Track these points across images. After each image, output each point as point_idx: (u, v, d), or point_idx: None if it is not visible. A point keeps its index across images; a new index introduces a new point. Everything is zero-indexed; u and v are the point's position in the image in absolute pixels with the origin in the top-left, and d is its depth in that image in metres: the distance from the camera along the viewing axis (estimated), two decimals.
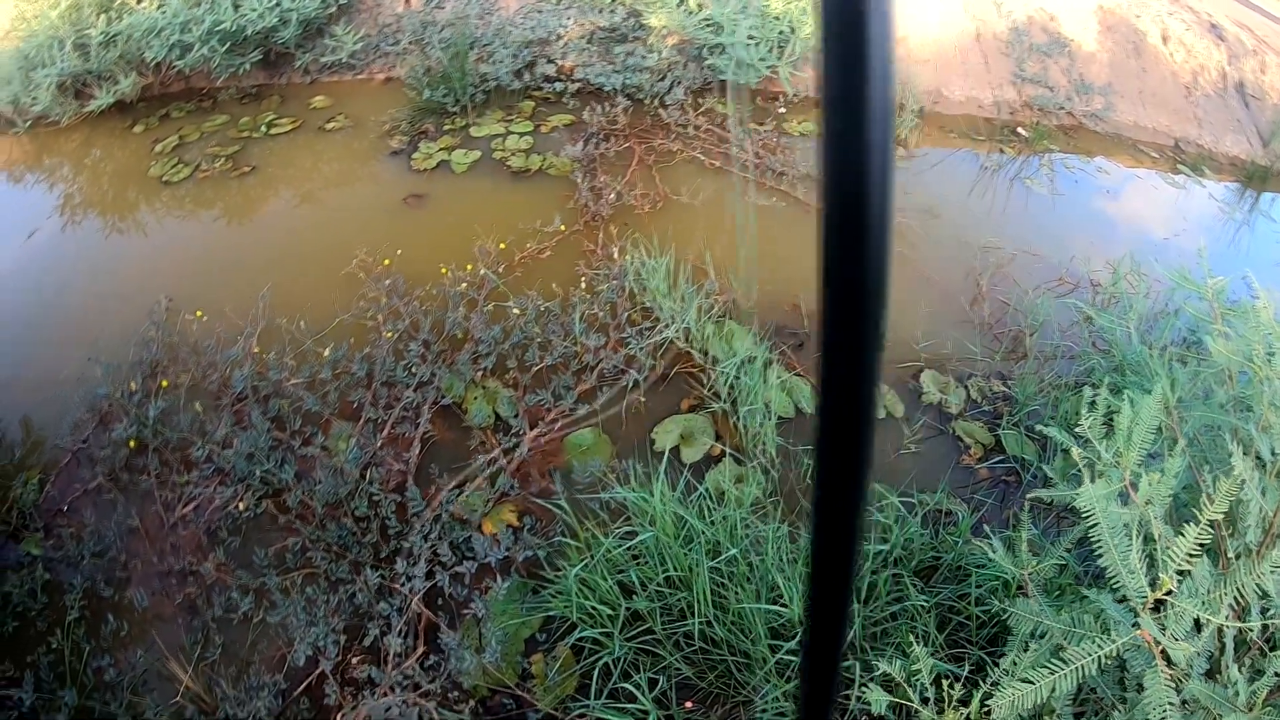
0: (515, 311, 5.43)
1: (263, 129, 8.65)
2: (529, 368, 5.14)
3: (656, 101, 7.99)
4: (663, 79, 8.11)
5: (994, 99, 8.51)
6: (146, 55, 9.49)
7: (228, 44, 9.27)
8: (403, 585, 4.04)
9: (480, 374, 5.17)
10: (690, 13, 8.25)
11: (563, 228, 6.29)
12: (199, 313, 5.88)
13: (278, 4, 9.17)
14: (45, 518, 4.84)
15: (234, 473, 4.70)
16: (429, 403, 4.96)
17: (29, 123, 9.87)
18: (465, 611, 4.02)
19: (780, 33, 8.05)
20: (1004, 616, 3.39)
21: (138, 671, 4.11)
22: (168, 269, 6.75)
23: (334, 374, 5.21)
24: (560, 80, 8.37)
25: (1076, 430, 2.81)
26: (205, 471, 4.77)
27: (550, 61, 8.55)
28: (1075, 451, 2.72)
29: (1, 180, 9.66)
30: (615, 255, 5.79)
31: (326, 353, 5.30)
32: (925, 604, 3.62)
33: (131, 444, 4.99)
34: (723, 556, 3.79)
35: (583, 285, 5.67)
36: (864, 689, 2.95)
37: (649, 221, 6.34)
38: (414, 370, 5.16)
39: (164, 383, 5.39)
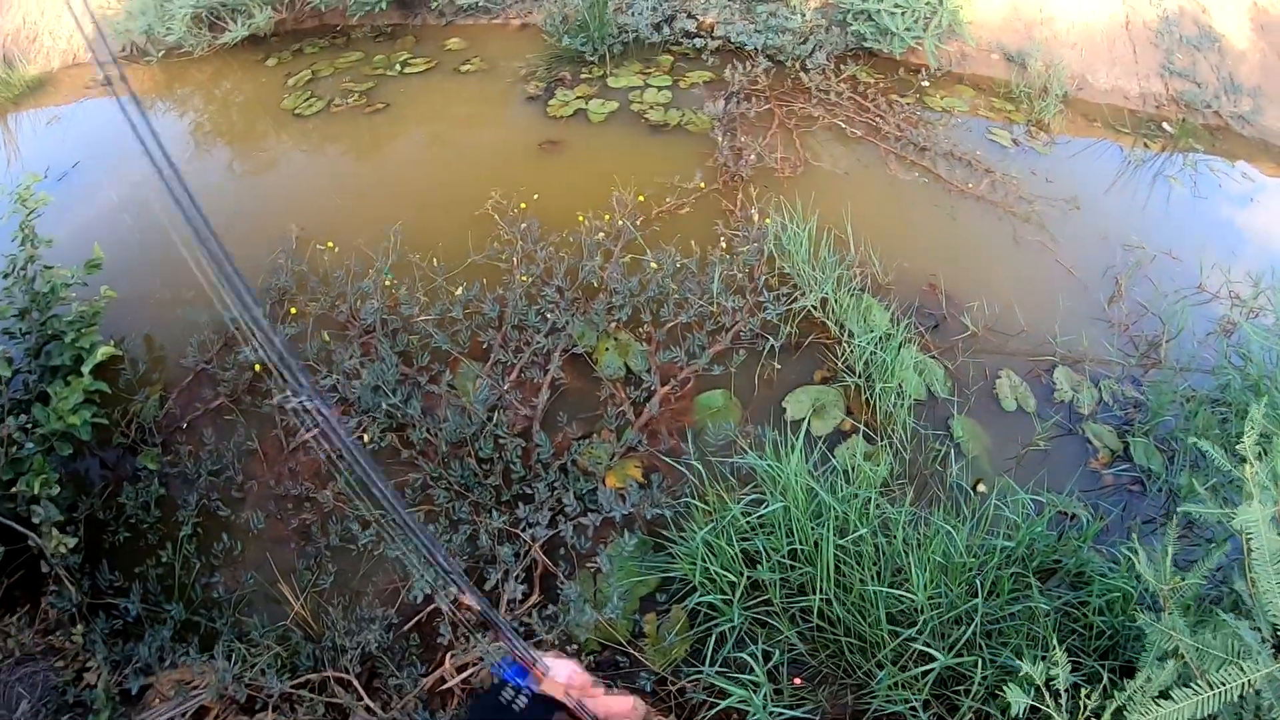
0: (653, 266, 5.24)
1: (397, 68, 8.63)
2: (663, 323, 4.96)
3: (798, 65, 7.72)
4: (804, 42, 7.83)
5: (1140, 90, 8.07)
6: None
7: None
8: (524, 531, 3.93)
9: (614, 325, 5.01)
10: None
11: (702, 185, 6.08)
12: (330, 244, 5.86)
13: None
14: (164, 434, 4.87)
15: (359, 404, 4.64)
16: (560, 349, 4.84)
17: (162, 52, 10.19)
18: (589, 564, 3.90)
19: (927, 2, 7.74)
20: (1123, 630, 3.24)
21: (246, 591, 4.09)
22: (298, 200, 6.76)
23: (465, 313, 5.13)
24: (700, 36, 8.17)
25: (1237, 449, 2.58)
26: (329, 400, 4.70)
27: (690, 17, 8.34)
28: (1249, 469, 2.50)
29: (135, 105, 9.77)
30: (755, 217, 5.57)
31: (459, 291, 5.25)
32: (1046, 607, 3.40)
33: (256, 368, 4.97)
34: (850, 535, 3.60)
35: (722, 245, 5.47)
36: (1001, 689, 2.76)
37: (789, 186, 6.10)
38: (547, 315, 5.03)
39: (292, 310, 5.38)
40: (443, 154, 7.10)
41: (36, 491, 3.96)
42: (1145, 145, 7.35)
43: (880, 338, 4.68)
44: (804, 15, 7.99)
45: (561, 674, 2.08)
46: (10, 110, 11.83)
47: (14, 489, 4.02)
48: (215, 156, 7.92)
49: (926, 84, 7.65)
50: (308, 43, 9.92)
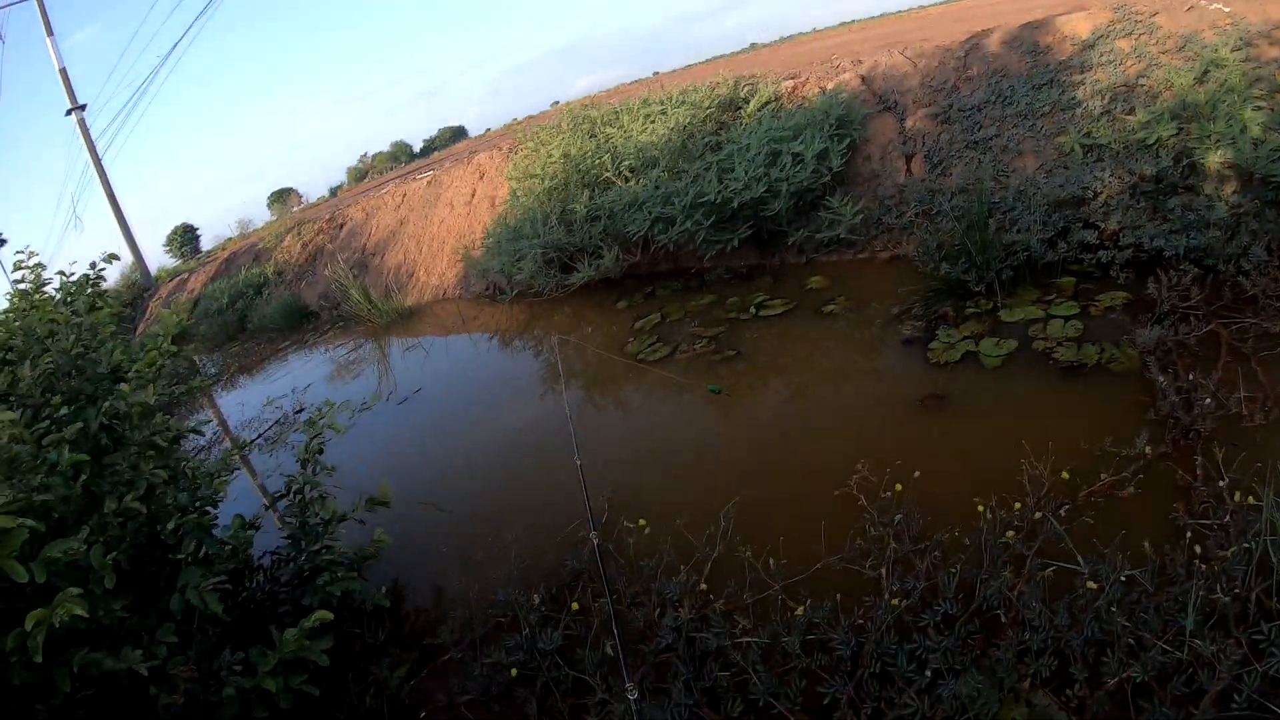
0: (1090, 585, 3.62)
1: (751, 310, 8.11)
2: (1103, 681, 3.29)
3: (1231, 265, 6.17)
4: (1233, 235, 6.34)
5: None
6: (628, 229, 9.83)
7: (713, 218, 8.98)
8: None
9: (1027, 682, 3.34)
10: (1258, 142, 6.53)
11: (1147, 450, 4.47)
12: (641, 521, 5.01)
13: (765, 175, 8.73)
14: (397, 717, 4.30)
15: None
16: (940, 717, 3.31)
17: (516, 292, 11.21)
18: None
19: None
20: None
21: None
22: (618, 460, 6.22)
23: (803, 644, 3.83)
24: (1104, 248, 6.82)
25: None
26: None
27: (1088, 225, 7.07)
28: None
29: (489, 342, 10.28)
30: (1228, 495, 3.94)
31: (800, 611, 3.98)
32: None
33: (514, 673, 4.19)
34: None
35: (1189, 544, 3.75)
36: None
37: (1266, 439, 4.42)
38: (925, 660, 3.54)
39: (574, 605, 4.52)
40: (800, 412, 6.24)
41: None
42: None
43: None
44: (1226, 202, 6.53)
45: None
46: (383, 334, 13.06)
47: None
48: (546, 401, 7.94)
49: None
50: (660, 285, 9.97)
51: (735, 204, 8.86)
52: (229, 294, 21.01)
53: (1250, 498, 3.89)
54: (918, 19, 29.99)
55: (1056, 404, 5.33)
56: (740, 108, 10.77)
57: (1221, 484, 4.10)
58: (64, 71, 25.11)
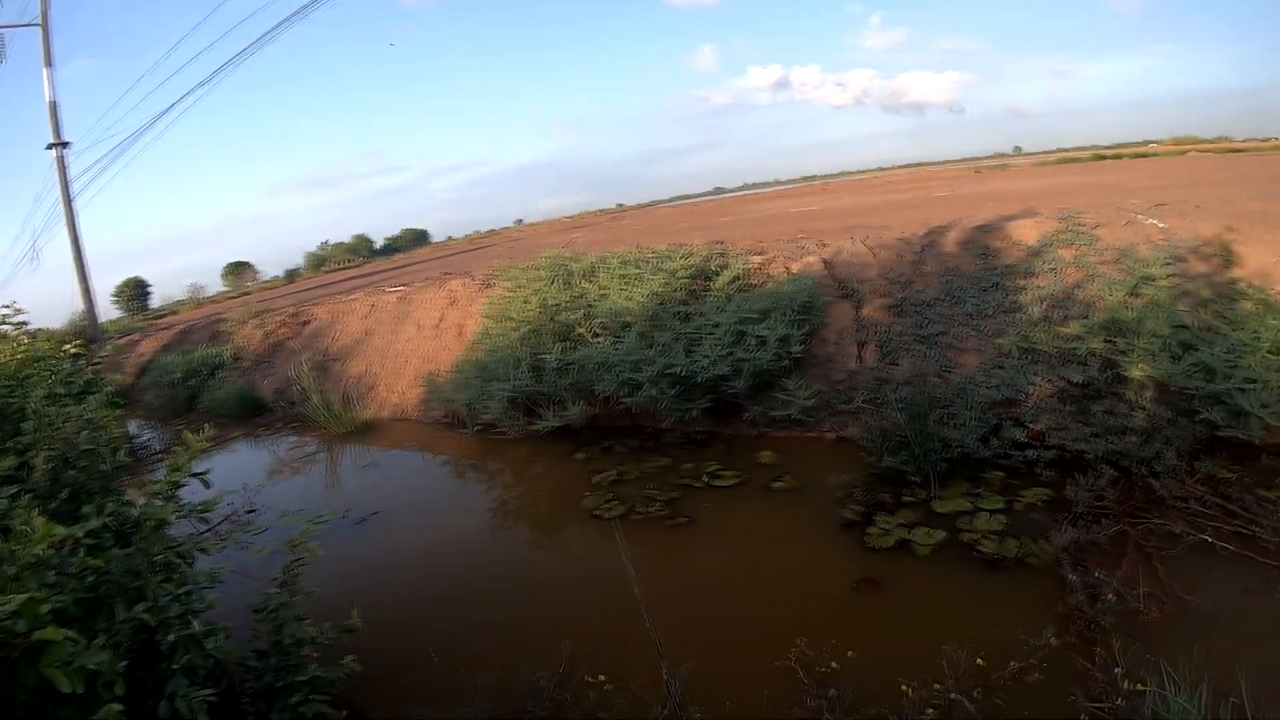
0: None
1: (704, 479, 8.61)
2: None
3: (1144, 469, 6.80)
4: (1148, 441, 6.98)
5: None
6: (596, 387, 10.38)
7: (677, 387, 9.56)
8: None
9: None
10: (1175, 358, 7.30)
11: (1053, 640, 4.99)
12: (601, 677, 5.40)
13: (731, 354, 9.38)
14: None
15: None
16: None
17: (478, 428, 11.40)
18: None
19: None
20: None
21: None
22: (578, 609, 6.56)
23: None
24: (1031, 446, 7.44)
25: None
26: None
27: (1019, 425, 7.71)
28: None
29: (447, 470, 10.51)
30: (1123, 683, 4.47)
31: None
32: None
33: None
34: None
35: None
36: None
37: (1160, 634, 4.96)
38: None
39: None
40: (745, 585, 6.61)
41: None
42: None
43: None
44: (1145, 409, 7.21)
45: None
46: (339, 443, 13.10)
47: None
48: (503, 541, 8.22)
49: None
50: (618, 441, 10.40)
51: (700, 378, 9.47)
52: (183, 369, 20.74)
53: (1139, 685, 4.43)
54: (880, 186, 31.53)
55: (977, 593, 5.82)
56: (710, 278, 11.50)
57: (1117, 671, 4.62)
58: (54, 105, 24.65)
